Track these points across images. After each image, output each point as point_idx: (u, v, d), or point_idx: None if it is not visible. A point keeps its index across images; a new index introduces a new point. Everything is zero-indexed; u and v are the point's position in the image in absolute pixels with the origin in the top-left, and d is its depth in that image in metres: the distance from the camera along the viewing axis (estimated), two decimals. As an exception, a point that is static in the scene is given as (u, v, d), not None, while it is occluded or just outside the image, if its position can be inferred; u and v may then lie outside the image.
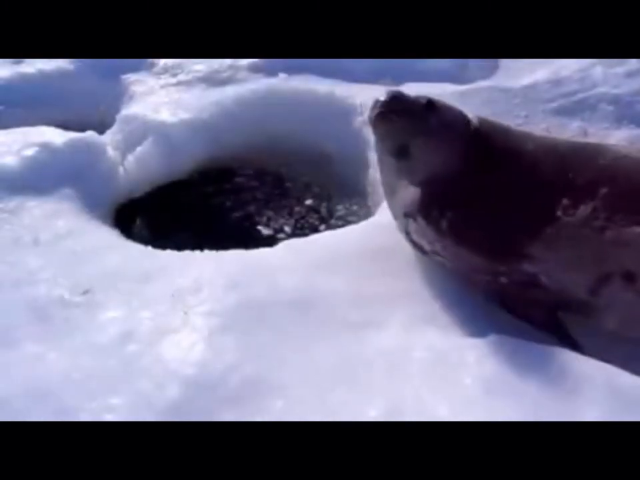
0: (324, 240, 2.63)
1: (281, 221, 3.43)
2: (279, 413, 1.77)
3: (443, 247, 2.18)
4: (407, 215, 2.27)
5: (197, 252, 2.58)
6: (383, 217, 2.66)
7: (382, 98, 2.13)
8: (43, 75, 4.45)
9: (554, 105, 3.53)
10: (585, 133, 3.27)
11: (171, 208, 3.52)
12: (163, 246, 2.65)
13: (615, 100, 3.48)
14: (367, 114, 2.31)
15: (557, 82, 3.70)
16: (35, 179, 2.99)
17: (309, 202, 3.55)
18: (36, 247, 2.60)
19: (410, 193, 2.24)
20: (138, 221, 3.43)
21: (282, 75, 4.02)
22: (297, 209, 3.52)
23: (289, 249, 2.53)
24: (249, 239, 3.08)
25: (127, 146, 3.52)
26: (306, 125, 3.65)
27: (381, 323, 2.09)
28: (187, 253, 2.57)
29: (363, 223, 2.82)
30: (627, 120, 3.36)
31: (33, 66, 4.48)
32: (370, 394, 1.81)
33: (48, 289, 2.32)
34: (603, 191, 2.00)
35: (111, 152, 3.43)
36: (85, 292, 2.29)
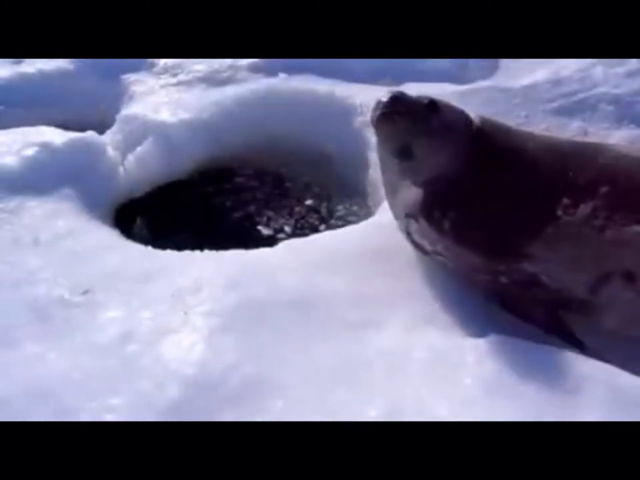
0: (324, 240, 2.63)
1: (281, 221, 3.43)
2: (279, 412, 1.77)
3: (444, 247, 2.18)
4: (408, 216, 2.27)
5: (197, 252, 2.58)
6: (383, 217, 2.66)
7: (384, 99, 2.13)
8: (43, 75, 4.45)
9: (554, 104, 3.53)
10: (585, 133, 3.27)
11: (170, 208, 3.52)
12: (163, 246, 2.65)
13: (615, 100, 3.48)
14: (368, 114, 2.31)
15: (557, 82, 3.70)
16: (34, 179, 2.99)
17: (309, 202, 3.55)
18: (36, 246, 2.60)
19: (412, 194, 2.24)
20: (138, 221, 3.43)
21: (282, 75, 4.02)
22: (297, 209, 3.52)
23: (289, 249, 2.53)
24: (249, 239, 3.08)
25: (127, 146, 3.51)
26: (306, 125, 3.65)
27: (381, 323, 2.09)
28: (186, 253, 2.57)
29: (363, 223, 2.82)
30: (627, 120, 3.36)
31: (33, 66, 4.48)
32: (370, 394, 1.81)
33: (48, 289, 2.32)
34: (603, 190, 2.01)
35: (110, 152, 3.43)
36: (85, 292, 2.29)
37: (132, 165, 3.44)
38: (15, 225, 2.73)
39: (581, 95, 3.56)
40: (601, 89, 3.57)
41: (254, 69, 4.16)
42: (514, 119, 3.29)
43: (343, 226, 3.00)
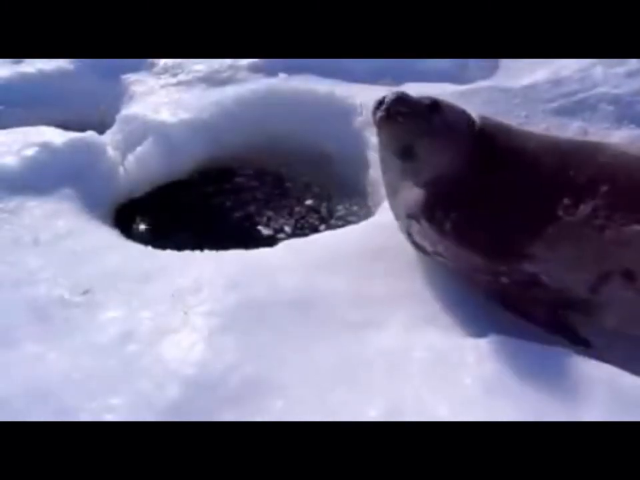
0: (324, 240, 2.63)
1: (281, 221, 3.42)
2: (279, 412, 1.77)
3: (445, 248, 2.18)
4: (409, 216, 2.27)
5: (197, 252, 2.58)
6: (383, 217, 2.66)
7: (386, 99, 2.13)
8: (43, 75, 4.45)
9: (554, 104, 3.53)
10: (585, 133, 3.27)
11: (170, 208, 3.52)
12: (163, 246, 2.65)
13: (615, 100, 3.48)
14: (368, 114, 2.31)
15: (557, 82, 3.70)
16: (34, 179, 2.99)
17: (309, 202, 3.55)
18: (36, 246, 2.60)
19: (413, 194, 2.23)
20: (138, 221, 3.43)
21: (282, 75, 4.02)
22: (297, 209, 3.51)
23: (289, 249, 2.53)
24: (249, 239, 3.08)
25: (127, 146, 3.52)
26: (306, 125, 3.65)
27: (381, 323, 2.09)
28: (186, 253, 2.57)
29: (363, 223, 2.82)
30: (627, 120, 3.36)
31: (33, 66, 4.48)
32: (370, 394, 1.81)
33: (48, 289, 2.32)
34: (603, 189, 2.00)
35: (111, 152, 3.44)
36: (85, 292, 2.29)
37: (132, 165, 3.45)
38: (14, 225, 2.73)
39: (580, 95, 3.56)
40: (601, 89, 3.57)
41: (254, 69, 4.16)
42: (514, 119, 3.29)
43: (343, 226, 3.00)
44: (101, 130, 3.60)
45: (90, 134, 3.39)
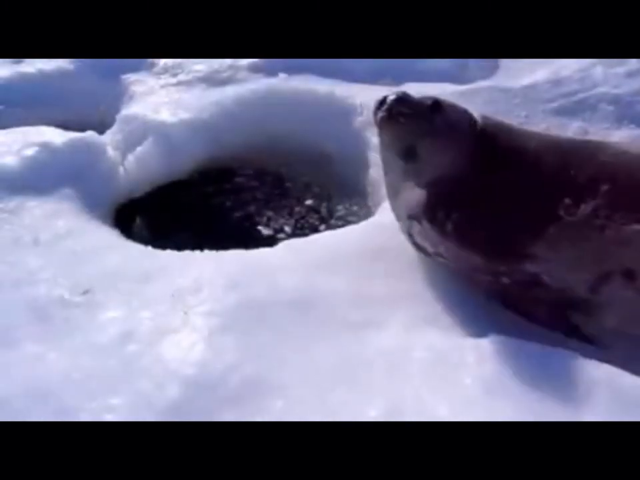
0: (324, 240, 2.63)
1: (281, 221, 3.42)
2: (279, 412, 1.77)
3: (446, 249, 2.17)
4: (411, 217, 2.26)
5: (197, 252, 2.58)
6: (383, 217, 2.66)
7: (388, 99, 2.12)
8: (43, 75, 4.45)
9: (554, 104, 3.53)
10: (586, 133, 3.26)
11: (170, 208, 3.52)
12: (163, 246, 2.65)
13: (616, 100, 3.48)
14: (369, 114, 2.30)
15: (557, 82, 3.70)
16: (35, 179, 2.99)
17: (309, 202, 3.55)
18: (36, 246, 2.60)
19: (415, 195, 2.23)
20: (138, 221, 3.43)
21: (282, 75, 4.01)
22: (297, 209, 3.51)
23: (289, 249, 2.53)
24: (249, 239, 3.08)
25: (127, 146, 3.51)
26: (306, 125, 3.65)
27: (381, 323, 2.09)
28: (186, 253, 2.57)
29: (363, 223, 2.82)
30: (627, 120, 3.36)
31: (33, 66, 4.48)
32: (370, 394, 1.81)
33: (48, 289, 2.32)
34: (604, 188, 2.00)
35: (111, 152, 3.43)
36: (85, 292, 2.29)
37: (132, 164, 3.44)
38: (14, 225, 2.73)
39: (580, 95, 3.56)
40: (601, 89, 3.57)
41: (254, 69, 4.16)
42: (514, 119, 3.28)
43: (343, 226, 2.99)
44: (101, 130, 3.60)
45: (90, 134, 3.39)
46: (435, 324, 2.09)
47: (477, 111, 2.33)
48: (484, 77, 3.98)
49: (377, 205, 3.02)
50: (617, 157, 2.11)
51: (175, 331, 2.06)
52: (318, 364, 1.93)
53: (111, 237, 2.77)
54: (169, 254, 2.57)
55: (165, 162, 3.45)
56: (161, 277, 2.35)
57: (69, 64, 4.51)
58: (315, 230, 3.28)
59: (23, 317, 2.18)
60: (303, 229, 3.33)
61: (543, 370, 1.85)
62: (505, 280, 2.09)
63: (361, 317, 2.11)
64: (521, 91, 3.66)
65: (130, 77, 4.32)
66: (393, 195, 2.40)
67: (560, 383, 1.81)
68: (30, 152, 3.12)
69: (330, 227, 3.24)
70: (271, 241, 2.91)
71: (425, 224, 2.19)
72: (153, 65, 4.38)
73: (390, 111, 2.10)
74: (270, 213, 3.48)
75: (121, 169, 3.42)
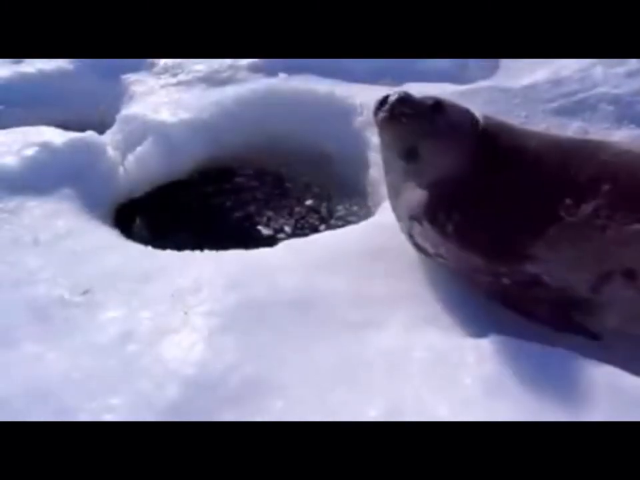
0: (324, 240, 2.63)
1: (281, 221, 3.43)
2: (279, 412, 1.77)
3: (446, 250, 2.17)
4: (412, 218, 2.25)
5: (197, 252, 2.58)
6: (383, 217, 2.66)
7: (389, 99, 2.11)
8: (43, 75, 4.45)
9: (554, 104, 3.53)
10: (586, 133, 3.26)
11: (170, 208, 3.52)
12: (162, 246, 2.65)
13: (616, 100, 3.48)
14: (369, 114, 2.30)
15: (557, 82, 3.70)
16: (34, 179, 2.99)
17: (309, 202, 3.55)
18: (36, 246, 2.60)
19: (416, 195, 2.22)
20: (138, 221, 3.43)
21: (282, 75, 4.02)
22: (297, 209, 3.51)
23: (289, 249, 2.53)
24: (249, 239, 3.08)
25: (127, 146, 3.51)
26: (306, 125, 3.65)
27: (381, 323, 2.08)
28: (186, 253, 2.57)
29: (362, 223, 2.82)
30: (627, 120, 3.36)
31: (32, 66, 4.48)
32: (370, 394, 1.81)
33: (48, 289, 2.31)
34: (605, 188, 2.00)
35: (111, 152, 3.43)
36: (85, 292, 2.29)
37: (132, 164, 3.44)
38: (14, 225, 2.73)
39: (580, 95, 3.56)
40: (601, 89, 3.57)
41: (254, 69, 4.16)
42: (514, 119, 3.28)
43: (343, 226, 2.99)
44: (101, 130, 3.60)
45: (90, 134, 3.39)
46: (435, 324, 2.08)
47: (477, 110, 2.33)
48: (484, 77, 3.98)
49: (377, 205, 3.02)
50: (618, 156, 2.11)
51: (175, 331, 2.06)
52: (318, 364, 1.93)
53: (110, 237, 2.77)
54: (169, 254, 2.57)
55: (164, 162, 3.45)
56: (160, 277, 2.35)
57: (69, 64, 4.51)
58: (315, 230, 3.28)
59: (22, 317, 2.18)
60: (303, 229, 3.33)
61: (543, 370, 1.85)
62: (506, 280, 2.09)
63: (361, 317, 2.11)
64: (521, 91, 3.66)
65: (130, 77, 4.32)
66: (394, 195, 2.39)
67: (560, 383, 1.81)
68: (30, 152, 3.12)
69: (330, 227, 3.24)
70: (270, 241, 2.91)
71: (426, 225, 2.19)
72: (152, 65, 4.39)
73: (391, 111, 2.10)
74: (270, 213, 3.48)
75: (121, 169, 3.43)
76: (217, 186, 3.66)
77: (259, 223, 3.41)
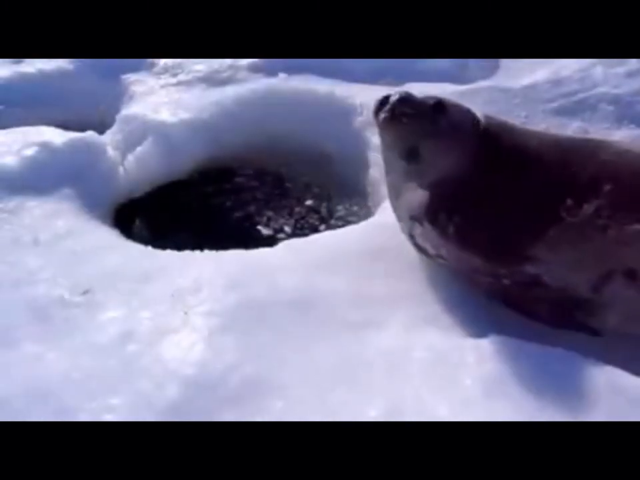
0: (324, 240, 2.63)
1: (281, 221, 3.43)
2: (279, 413, 1.77)
3: (447, 251, 2.17)
4: (412, 218, 2.25)
5: (197, 252, 2.58)
6: (383, 217, 2.66)
7: (390, 99, 2.10)
8: (43, 75, 4.45)
9: (554, 104, 3.53)
10: (586, 133, 3.26)
11: (170, 208, 3.52)
12: (162, 246, 2.65)
13: (615, 100, 3.48)
14: (369, 114, 2.30)
15: (557, 82, 3.70)
16: (34, 179, 2.99)
17: (309, 202, 3.55)
18: (36, 246, 2.60)
19: (417, 196, 2.22)
20: (138, 221, 3.43)
21: (282, 75, 4.02)
22: (297, 209, 3.52)
23: (288, 249, 2.53)
24: (249, 239, 3.08)
25: (127, 146, 3.51)
26: (306, 125, 3.65)
27: (381, 323, 2.08)
28: (186, 253, 2.57)
29: (363, 223, 2.82)
30: (627, 120, 3.36)
31: (32, 66, 4.48)
32: (370, 394, 1.81)
33: (48, 288, 2.31)
34: (606, 188, 1.99)
35: (111, 152, 3.43)
36: (85, 292, 2.29)
37: (132, 164, 3.44)
38: (14, 225, 2.73)
39: (580, 95, 3.56)
40: (601, 89, 3.57)
41: (254, 69, 4.16)
42: (514, 119, 3.28)
43: (343, 226, 3.00)
44: (101, 130, 3.60)
45: (90, 134, 3.39)
46: (435, 324, 2.08)
47: (478, 110, 2.32)
48: (484, 77, 3.98)
49: (377, 205, 3.02)
50: (619, 155, 2.10)
51: (175, 331, 2.06)
52: (318, 364, 1.93)
53: (110, 237, 2.77)
54: (169, 254, 2.57)
55: (164, 162, 3.45)
56: (160, 277, 2.35)
57: (69, 64, 4.51)
58: (315, 230, 3.28)
59: (22, 317, 2.18)
60: (302, 229, 3.33)
61: (543, 370, 1.85)
62: (506, 281, 2.09)
63: (361, 317, 2.11)
64: (521, 91, 3.66)
65: (130, 77, 4.32)
66: (395, 195, 2.39)
67: (560, 383, 1.81)
68: (30, 152, 3.12)
69: (330, 227, 3.24)
70: (270, 241, 2.91)
71: (427, 226, 2.19)
72: (152, 65, 4.39)
73: (393, 111, 2.09)
74: (270, 213, 3.48)
75: (121, 169, 3.43)
76: (217, 186, 3.66)
77: (258, 223, 3.41)
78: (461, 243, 2.11)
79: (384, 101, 2.15)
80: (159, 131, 3.50)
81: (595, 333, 2.01)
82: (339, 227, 3.02)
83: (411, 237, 2.31)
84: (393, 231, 2.42)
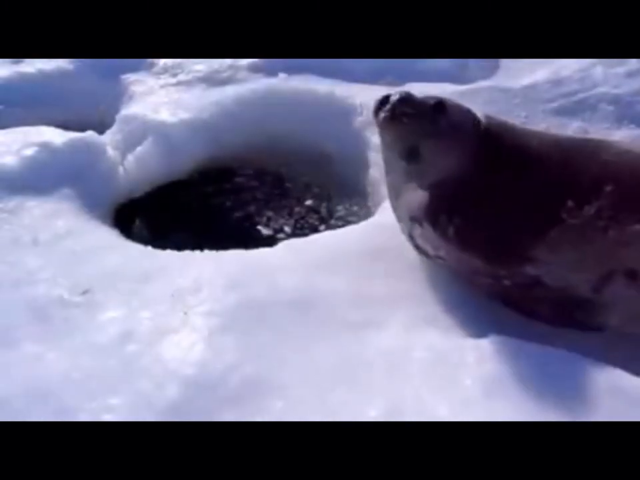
0: (324, 240, 2.63)
1: (281, 221, 3.42)
2: (279, 413, 1.77)
3: (447, 252, 2.16)
4: (412, 219, 2.24)
5: (197, 252, 2.57)
6: (383, 217, 2.66)
7: (391, 99, 2.10)
8: (42, 75, 4.44)
9: (554, 104, 3.53)
10: (586, 133, 3.26)
11: (170, 208, 3.52)
12: (162, 246, 2.65)
13: (615, 100, 3.48)
14: (369, 114, 2.29)
15: (557, 82, 3.70)
16: (34, 179, 2.99)
17: (309, 202, 3.55)
18: (35, 246, 2.60)
19: (417, 197, 2.21)
20: (138, 221, 3.43)
21: (282, 75, 4.01)
22: (296, 209, 3.51)
23: (288, 249, 2.53)
24: (249, 239, 3.08)
25: (127, 146, 3.51)
26: (306, 125, 3.65)
27: (381, 323, 2.08)
28: (186, 253, 2.56)
29: (363, 223, 2.82)
30: (627, 120, 3.36)
31: (32, 66, 4.47)
32: (370, 394, 1.81)
33: (47, 288, 2.31)
34: (607, 188, 1.99)
35: (110, 152, 3.43)
36: (85, 292, 2.29)
37: (132, 165, 3.44)
38: (14, 225, 2.72)
39: (580, 95, 3.56)
40: (601, 89, 3.57)
41: (254, 69, 4.16)
42: (514, 119, 3.28)
43: (343, 226, 2.99)
44: (101, 130, 3.59)
45: (90, 134, 3.39)
46: (435, 324, 2.08)
47: (478, 110, 2.32)
48: (484, 77, 3.98)
49: (377, 204, 3.02)
50: (620, 156, 2.10)
51: (175, 331, 2.06)
52: (318, 364, 1.93)
53: (110, 237, 2.77)
54: (169, 254, 2.57)
55: (164, 162, 3.45)
56: (160, 277, 2.35)
57: (69, 64, 4.50)
58: (315, 230, 3.28)
59: (22, 317, 2.17)
60: (302, 229, 3.33)
61: (543, 370, 1.85)
62: (507, 282, 2.08)
63: (361, 317, 2.11)
64: (521, 91, 3.66)
65: (130, 77, 4.32)
66: (395, 196, 2.38)
67: (560, 383, 1.81)
68: (30, 152, 3.12)
69: (330, 227, 3.24)
70: (270, 241, 2.91)
71: (427, 227, 2.18)
72: (152, 65, 4.38)
73: (393, 110, 2.08)
74: (270, 213, 3.48)
75: (121, 169, 3.42)
76: (217, 186, 3.66)
77: (258, 223, 3.41)
78: (461, 244, 2.11)
79: (384, 100, 2.15)
80: (159, 131, 3.50)
81: (597, 329, 2.00)
82: (339, 226, 3.02)
83: (411, 238, 2.31)
84: (392, 231, 2.42)
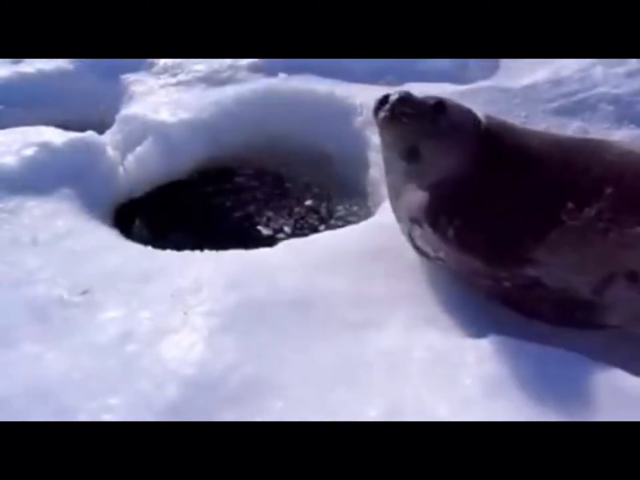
0: (324, 240, 2.63)
1: (281, 221, 3.42)
2: (279, 413, 1.77)
3: (446, 254, 2.16)
4: (412, 220, 2.24)
5: (197, 252, 2.57)
6: (383, 217, 2.66)
7: (390, 99, 2.09)
8: (42, 75, 4.44)
9: (554, 104, 3.53)
10: (586, 133, 3.26)
11: (170, 208, 3.52)
12: (162, 246, 2.65)
13: (616, 100, 3.48)
14: (369, 114, 2.29)
15: (557, 82, 3.70)
16: (34, 179, 2.99)
17: (309, 202, 3.55)
18: (35, 246, 2.60)
19: (417, 197, 2.21)
20: (138, 221, 3.43)
21: (282, 75, 4.01)
22: (296, 209, 3.51)
23: (288, 249, 2.52)
24: (249, 239, 3.08)
25: (127, 146, 3.51)
26: (306, 125, 3.65)
27: (381, 323, 2.08)
28: (186, 253, 2.56)
29: (363, 223, 2.82)
30: (627, 120, 3.36)
31: (32, 66, 4.47)
32: (370, 394, 1.81)
33: (47, 288, 2.31)
34: (608, 190, 1.98)
35: (110, 152, 3.43)
36: (85, 292, 2.28)
37: (132, 165, 3.44)
38: (14, 225, 2.72)
39: (580, 95, 3.56)
40: (601, 89, 3.57)
41: (254, 69, 4.16)
42: (514, 119, 3.28)
43: (343, 226, 2.99)
44: (101, 130, 3.59)
45: (90, 134, 3.39)
46: (435, 324, 2.08)
47: (478, 110, 2.32)
48: (484, 77, 3.98)
49: (377, 205, 3.02)
50: (621, 156, 2.09)
51: (175, 331, 2.06)
52: (318, 364, 1.93)
53: (110, 237, 2.77)
54: (169, 254, 2.56)
55: (164, 162, 3.45)
56: (160, 277, 2.35)
57: (69, 64, 4.50)
58: (315, 230, 3.28)
59: (22, 317, 2.17)
60: (302, 229, 3.33)
61: (543, 370, 1.85)
62: (507, 284, 2.08)
63: (361, 317, 2.11)
64: (521, 91, 3.66)
65: (130, 77, 4.31)
66: (395, 196, 2.37)
67: (560, 383, 1.81)
68: (29, 152, 3.12)
69: (330, 227, 3.24)
70: (270, 241, 2.91)
71: (427, 228, 2.18)
72: (152, 65, 4.38)
73: (393, 110, 2.07)
74: (270, 213, 3.48)
75: (121, 169, 3.42)
76: (217, 186, 3.66)
77: (258, 223, 3.41)
78: (461, 245, 2.10)
79: (384, 100, 2.14)
80: (159, 131, 3.50)
81: (598, 327, 2.00)
82: (339, 226, 3.02)
83: (411, 239, 2.30)
84: (392, 231, 2.42)
